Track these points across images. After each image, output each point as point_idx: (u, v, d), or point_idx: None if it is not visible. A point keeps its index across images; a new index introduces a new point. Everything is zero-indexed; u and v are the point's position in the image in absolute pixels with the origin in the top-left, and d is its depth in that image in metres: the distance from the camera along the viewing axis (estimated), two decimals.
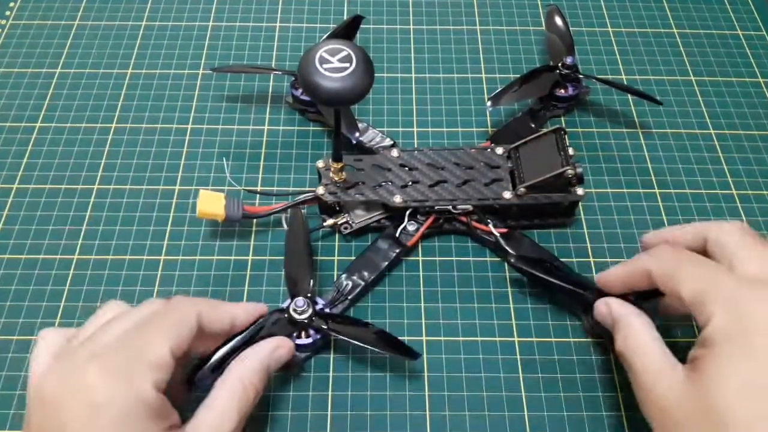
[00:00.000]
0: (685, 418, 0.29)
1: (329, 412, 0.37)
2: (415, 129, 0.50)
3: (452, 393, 0.38)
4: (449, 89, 0.52)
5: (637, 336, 0.33)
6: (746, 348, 0.29)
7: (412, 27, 0.57)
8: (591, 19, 0.58)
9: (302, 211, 0.41)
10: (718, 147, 0.49)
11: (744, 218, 0.46)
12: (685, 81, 0.54)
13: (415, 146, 0.48)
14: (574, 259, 0.43)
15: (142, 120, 0.50)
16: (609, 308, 0.36)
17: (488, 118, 0.51)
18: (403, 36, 0.56)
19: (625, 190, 0.47)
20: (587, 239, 0.44)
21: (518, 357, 0.39)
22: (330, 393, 0.38)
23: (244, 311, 0.35)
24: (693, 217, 0.45)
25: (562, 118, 0.51)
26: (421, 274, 0.43)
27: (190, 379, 0.34)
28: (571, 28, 0.51)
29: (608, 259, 0.43)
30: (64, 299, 0.41)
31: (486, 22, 0.57)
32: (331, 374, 0.38)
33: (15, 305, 0.41)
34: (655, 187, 0.47)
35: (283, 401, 0.37)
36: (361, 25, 0.52)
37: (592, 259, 0.43)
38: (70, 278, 0.42)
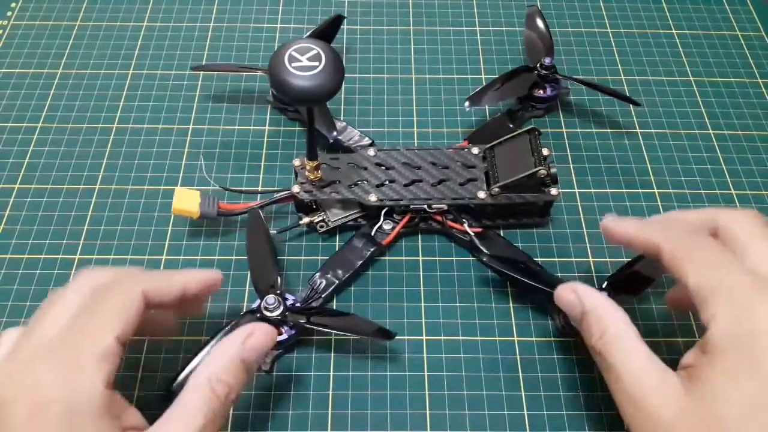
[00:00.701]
0: None
1: (330, 411, 0.37)
2: (415, 129, 0.50)
3: (452, 392, 0.38)
4: (449, 89, 0.53)
5: (618, 334, 0.30)
6: (755, 360, 0.26)
7: (412, 27, 0.57)
8: (590, 20, 0.58)
9: (259, 210, 0.41)
10: (716, 147, 0.50)
11: None
12: (684, 81, 0.54)
13: (416, 146, 0.48)
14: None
15: (144, 120, 0.50)
16: (578, 296, 0.32)
17: (487, 118, 0.51)
18: (403, 36, 0.56)
19: (624, 191, 0.47)
20: (586, 239, 0.44)
21: (518, 356, 0.39)
22: (330, 392, 0.38)
23: (194, 278, 0.34)
24: None
25: (570, 118, 0.51)
26: (421, 273, 0.43)
27: (168, 390, 0.34)
28: (570, 29, 0.52)
29: (592, 260, 0.43)
30: None
31: (486, 22, 0.58)
32: (331, 373, 0.39)
33: (17, 305, 0.41)
34: (654, 187, 0.47)
35: (285, 400, 0.38)
36: (362, 26, 0.52)
37: (588, 259, 0.44)
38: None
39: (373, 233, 0.43)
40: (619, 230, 0.34)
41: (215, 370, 0.30)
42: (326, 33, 0.51)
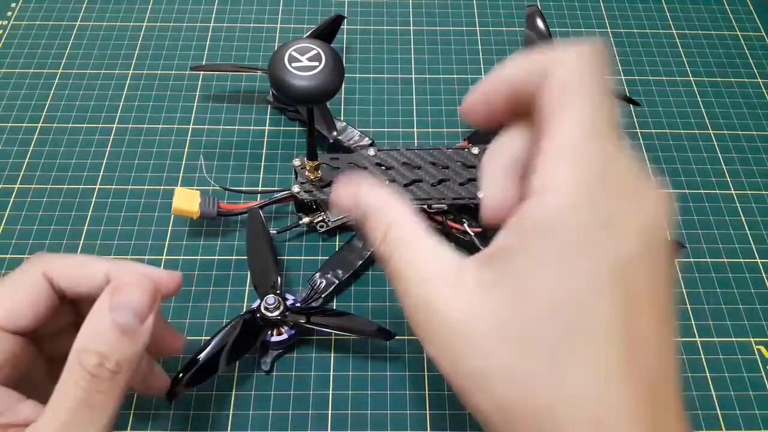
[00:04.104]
0: (479, 337, 0.21)
1: (330, 411, 0.37)
2: (415, 129, 0.50)
3: (452, 392, 0.38)
4: (449, 89, 0.53)
5: (401, 232, 0.24)
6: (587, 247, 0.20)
7: (412, 27, 0.57)
8: (590, 20, 0.58)
9: (259, 210, 0.41)
10: (716, 147, 0.50)
11: (743, 218, 0.46)
12: (684, 81, 0.54)
13: (416, 146, 0.48)
14: None
15: (144, 120, 0.50)
16: (355, 196, 0.26)
17: None
18: (403, 36, 0.56)
19: None
20: None
21: None
22: (331, 392, 0.38)
23: (128, 271, 0.28)
24: (692, 218, 0.46)
25: None
26: None
27: (169, 393, 0.34)
28: (570, 29, 0.51)
29: None
30: None
31: (486, 22, 0.58)
32: (331, 373, 0.39)
33: None
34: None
35: (285, 400, 0.38)
36: (362, 26, 0.52)
37: None
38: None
39: None
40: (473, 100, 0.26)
41: (81, 339, 0.25)
42: (326, 33, 0.51)
